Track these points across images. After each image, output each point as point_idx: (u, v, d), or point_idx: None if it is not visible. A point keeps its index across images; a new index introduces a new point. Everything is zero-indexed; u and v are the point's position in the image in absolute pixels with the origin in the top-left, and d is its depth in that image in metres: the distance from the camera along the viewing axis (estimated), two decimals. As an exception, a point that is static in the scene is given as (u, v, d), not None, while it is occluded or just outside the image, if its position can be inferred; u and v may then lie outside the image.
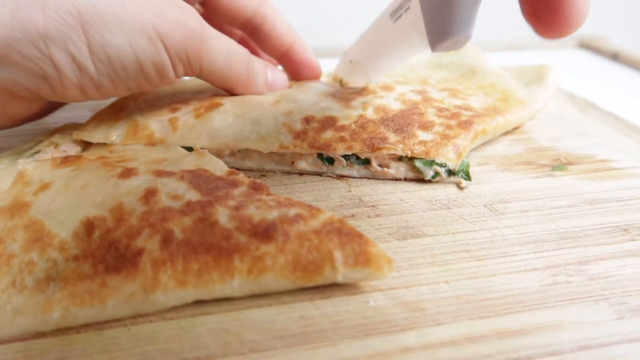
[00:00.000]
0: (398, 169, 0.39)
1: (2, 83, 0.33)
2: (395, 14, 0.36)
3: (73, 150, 0.40)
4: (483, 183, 0.39)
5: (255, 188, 0.32)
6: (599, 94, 0.58)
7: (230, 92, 0.43)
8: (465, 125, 0.41)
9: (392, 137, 0.39)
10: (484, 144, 0.44)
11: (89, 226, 0.29)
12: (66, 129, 0.42)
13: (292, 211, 0.30)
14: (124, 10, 0.34)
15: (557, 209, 0.36)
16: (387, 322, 0.27)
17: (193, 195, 0.31)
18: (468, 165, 0.39)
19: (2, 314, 0.26)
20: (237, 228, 0.29)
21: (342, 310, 0.28)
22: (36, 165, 0.35)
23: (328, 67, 0.52)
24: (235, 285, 0.27)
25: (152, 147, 0.39)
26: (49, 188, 0.32)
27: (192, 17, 0.37)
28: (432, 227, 0.34)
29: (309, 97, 0.43)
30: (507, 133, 0.46)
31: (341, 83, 0.49)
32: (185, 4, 0.37)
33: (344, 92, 0.44)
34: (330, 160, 0.40)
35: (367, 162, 0.40)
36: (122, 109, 0.43)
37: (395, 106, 0.42)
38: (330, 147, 0.39)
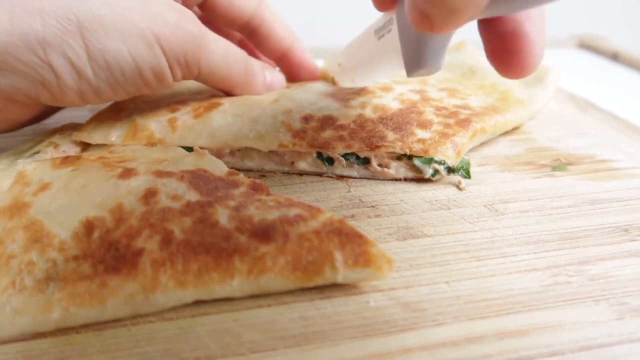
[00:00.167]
0: (398, 169, 0.39)
1: (1, 89, 0.33)
2: (379, 32, 0.37)
3: (73, 150, 0.40)
4: (483, 183, 0.39)
5: (255, 188, 0.32)
6: (599, 94, 0.58)
7: (229, 94, 0.43)
8: (464, 123, 0.41)
9: (390, 136, 0.39)
10: (484, 144, 0.44)
11: (89, 226, 0.29)
12: (66, 130, 0.42)
13: (292, 211, 0.30)
14: (123, 16, 0.34)
15: (557, 209, 0.36)
16: (387, 323, 0.27)
17: (193, 196, 0.31)
18: (468, 163, 0.39)
19: (2, 314, 0.26)
20: (237, 228, 0.29)
21: (342, 311, 0.28)
22: (36, 166, 0.35)
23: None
24: (235, 285, 0.27)
25: (152, 148, 0.39)
26: (49, 188, 0.32)
27: (190, 21, 0.37)
28: (432, 228, 0.34)
29: (308, 96, 0.43)
30: (507, 133, 0.46)
31: (333, 81, 0.49)
32: (183, 7, 0.37)
33: (343, 92, 0.44)
34: (330, 161, 0.40)
35: (366, 162, 0.40)
36: (122, 110, 0.43)
37: (394, 105, 0.42)
38: (329, 146, 0.39)
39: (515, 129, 0.47)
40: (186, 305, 0.28)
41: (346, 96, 0.43)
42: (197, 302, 0.28)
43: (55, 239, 0.29)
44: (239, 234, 0.28)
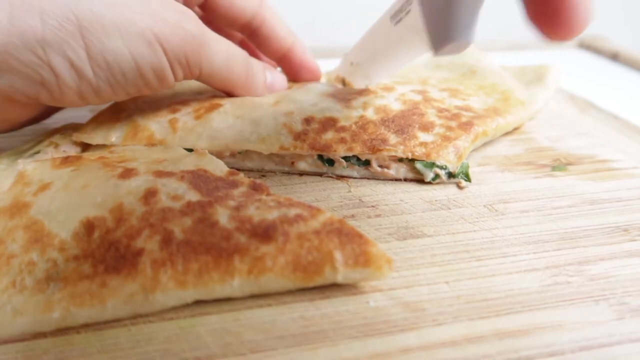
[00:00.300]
0: (398, 170, 0.39)
1: (1, 89, 0.33)
2: (396, 17, 0.37)
3: (73, 150, 0.40)
4: (483, 183, 0.39)
5: (255, 188, 0.32)
6: (599, 94, 0.58)
7: (230, 94, 0.43)
8: (466, 126, 0.41)
9: (392, 139, 0.39)
10: (484, 144, 0.44)
11: (89, 226, 0.29)
12: (66, 130, 0.42)
13: (292, 211, 0.30)
14: (123, 16, 0.34)
15: (557, 209, 0.36)
16: (387, 323, 0.27)
17: (193, 196, 0.31)
18: (467, 167, 0.39)
19: (2, 314, 0.26)
20: (237, 228, 0.29)
21: (342, 311, 0.28)
22: (36, 166, 0.35)
23: (328, 67, 0.52)
24: (235, 285, 0.27)
25: (152, 148, 0.39)
26: (49, 188, 0.32)
27: (191, 21, 0.37)
28: (432, 228, 0.34)
29: (309, 98, 0.43)
30: (507, 133, 0.46)
31: (344, 82, 0.49)
32: (184, 7, 0.37)
33: (344, 93, 0.44)
34: (331, 161, 0.40)
35: (367, 163, 0.39)
36: (122, 110, 0.42)
37: (395, 106, 0.42)
38: (330, 149, 0.39)
39: (515, 129, 0.47)
40: (186, 305, 0.28)
41: (347, 97, 0.43)
42: (197, 302, 0.28)
43: (55, 239, 0.29)
44: (239, 234, 0.28)
